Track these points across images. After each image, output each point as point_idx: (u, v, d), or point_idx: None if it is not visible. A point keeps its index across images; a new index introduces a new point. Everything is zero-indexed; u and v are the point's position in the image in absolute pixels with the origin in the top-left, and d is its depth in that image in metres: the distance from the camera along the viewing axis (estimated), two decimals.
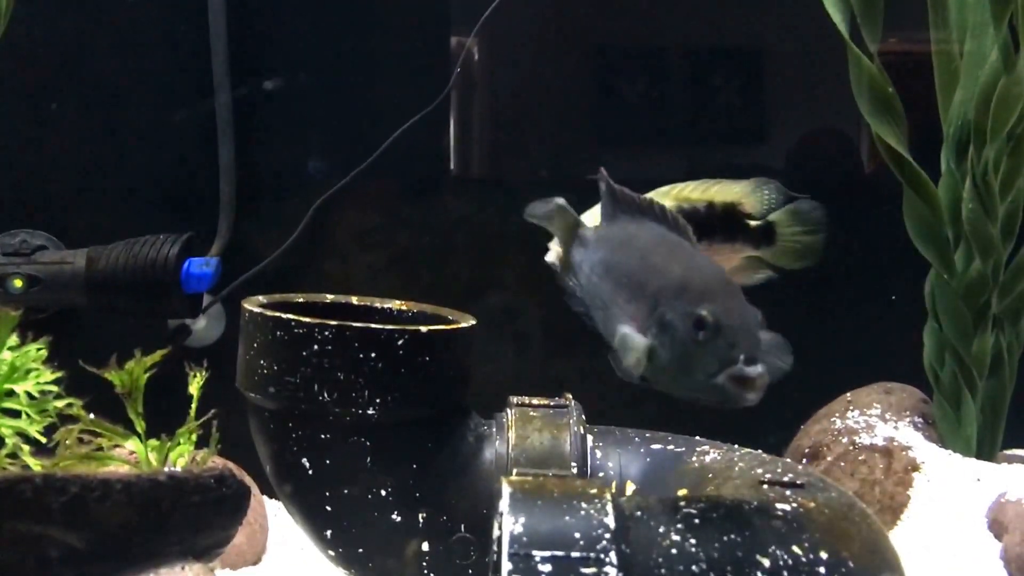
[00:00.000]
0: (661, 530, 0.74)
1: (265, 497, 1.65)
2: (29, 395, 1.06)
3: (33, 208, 1.97)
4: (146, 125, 1.99)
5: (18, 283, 1.79)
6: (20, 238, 1.91)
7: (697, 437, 1.22)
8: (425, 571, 1.17)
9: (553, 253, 1.30)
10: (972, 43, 1.51)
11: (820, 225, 1.46)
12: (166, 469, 1.11)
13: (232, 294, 1.92)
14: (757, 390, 0.84)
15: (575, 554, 0.70)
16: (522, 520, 0.72)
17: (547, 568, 0.69)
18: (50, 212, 1.98)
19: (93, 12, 1.95)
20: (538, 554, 0.70)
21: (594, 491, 0.76)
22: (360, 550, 1.17)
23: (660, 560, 0.72)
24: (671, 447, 1.19)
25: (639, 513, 0.76)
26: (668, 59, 2.04)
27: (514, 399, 1.26)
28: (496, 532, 0.86)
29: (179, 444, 1.22)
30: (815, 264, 1.47)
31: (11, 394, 1.04)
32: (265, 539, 1.64)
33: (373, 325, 1.14)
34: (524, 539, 0.71)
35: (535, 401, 1.24)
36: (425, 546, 1.15)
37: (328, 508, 1.16)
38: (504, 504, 0.74)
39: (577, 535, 0.71)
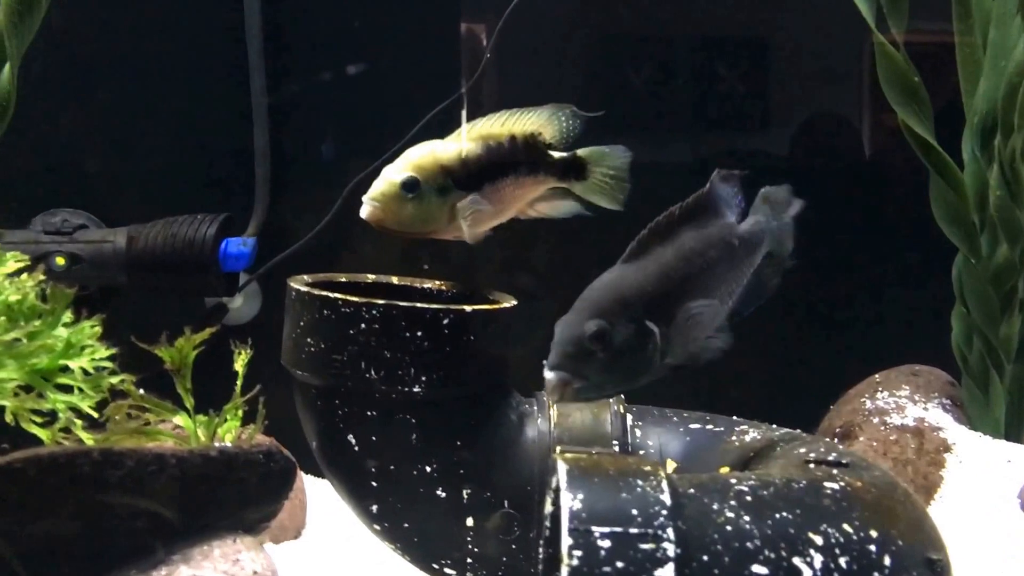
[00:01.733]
0: (715, 507, 0.76)
1: (303, 473, 1.68)
2: (84, 371, 1.08)
3: (72, 188, 1.99)
4: (183, 107, 2.01)
5: (60, 261, 1.82)
6: (61, 217, 1.93)
7: (733, 417, 1.24)
8: (469, 546, 1.19)
9: None
10: (996, 33, 1.51)
11: (626, 173, 1.37)
12: (216, 444, 1.14)
13: (267, 274, 1.94)
14: (550, 392, 1.00)
15: (633, 530, 0.72)
16: (580, 496, 0.74)
17: (606, 544, 0.71)
18: (88, 192, 2.00)
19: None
20: (597, 530, 0.72)
21: (648, 468, 0.78)
22: (405, 525, 1.20)
23: (716, 537, 0.74)
24: (710, 426, 1.20)
25: (692, 491, 0.77)
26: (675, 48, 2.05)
27: None
28: (549, 508, 0.88)
29: (226, 420, 1.25)
30: (622, 210, 1.36)
31: (66, 369, 1.07)
32: (305, 515, 1.67)
33: (419, 304, 1.16)
34: (583, 515, 0.73)
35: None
36: (469, 521, 1.18)
37: (374, 484, 1.19)
38: (562, 480, 0.76)
39: (635, 512, 0.73)
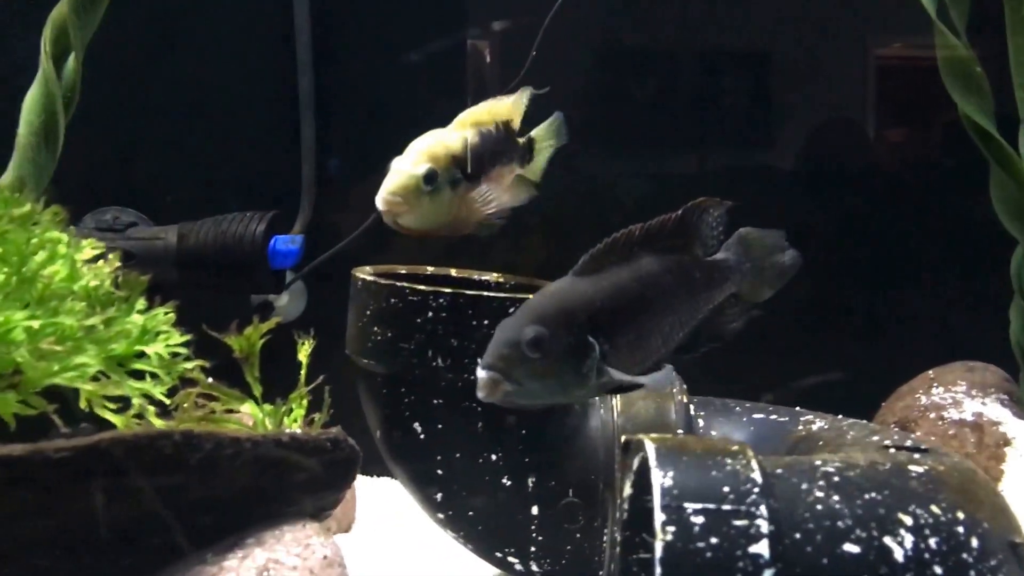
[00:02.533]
0: (804, 487, 0.76)
1: None
2: (159, 357, 1.09)
3: (121, 186, 2.01)
4: (230, 106, 2.03)
5: (112, 259, 1.84)
6: (112, 214, 1.95)
7: (799, 408, 1.24)
8: (533, 535, 1.19)
9: None
10: None
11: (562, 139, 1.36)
12: (287, 430, 1.14)
13: (312, 272, 1.96)
14: (480, 390, 0.96)
15: (726, 507, 0.72)
16: (671, 474, 0.74)
17: (699, 520, 0.72)
18: (137, 190, 2.02)
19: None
20: (690, 506, 0.72)
21: (736, 448, 0.78)
22: (470, 513, 1.20)
23: (807, 515, 0.74)
24: (774, 416, 1.20)
25: (780, 471, 0.78)
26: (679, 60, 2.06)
27: None
28: (628, 490, 0.88)
29: (292, 409, 1.26)
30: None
31: (142, 355, 1.08)
32: (355, 509, 1.68)
33: (487, 293, 1.17)
34: (675, 492, 0.73)
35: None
36: (534, 510, 1.18)
37: (439, 472, 1.20)
38: (651, 459, 0.76)
39: (726, 489, 0.73)
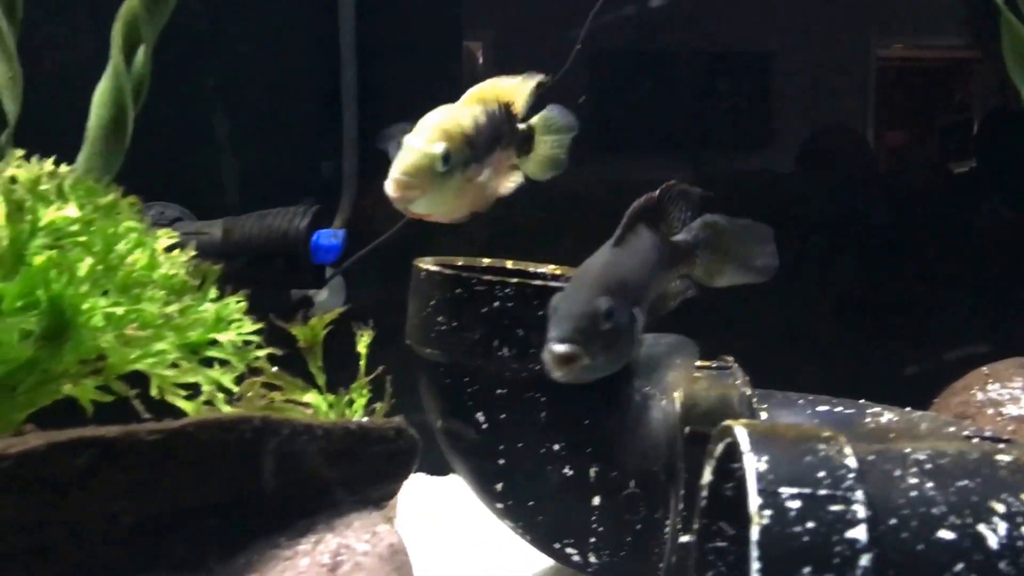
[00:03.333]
0: (897, 473, 0.77)
1: None
2: (232, 344, 1.10)
3: (165, 182, 2.03)
4: (274, 102, 2.04)
5: None
6: (157, 210, 1.97)
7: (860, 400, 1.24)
8: (594, 525, 1.20)
9: None
10: None
11: (570, 132, 1.29)
12: (354, 419, 1.16)
13: (351, 267, 1.97)
14: (556, 366, 1.01)
15: (822, 492, 0.73)
16: (765, 459, 0.75)
17: (796, 504, 0.72)
18: (181, 185, 2.03)
19: None
20: (786, 491, 0.73)
21: (827, 434, 0.78)
22: (531, 503, 1.21)
23: (902, 501, 0.74)
24: (839, 408, 1.20)
25: (872, 457, 0.78)
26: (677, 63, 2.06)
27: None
28: (708, 478, 0.89)
29: (354, 399, 1.27)
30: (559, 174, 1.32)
31: (214, 343, 1.09)
32: (396, 504, 1.69)
33: (552, 284, 1.17)
34: (770, 476, 0.74)
35: (697, 363, 1.27)
36: (596, 500, 1.19)
37: (501, 462, 1.20)
38: (744, 444, 0.77)
39: (821, 474, 0.74)
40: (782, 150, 2.04)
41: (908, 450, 0.80)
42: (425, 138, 1.10)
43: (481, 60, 2.07)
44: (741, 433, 0.78)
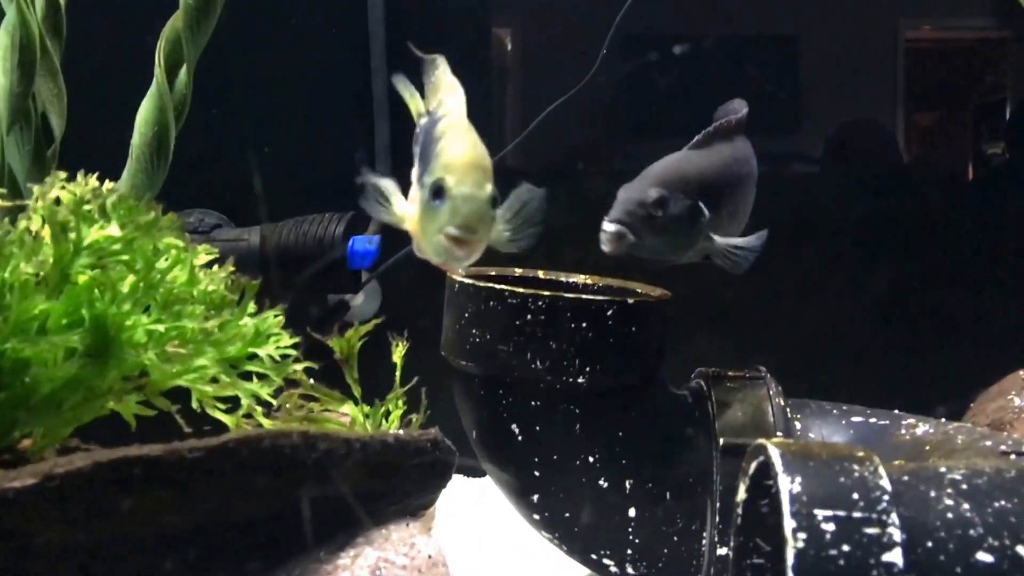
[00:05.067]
0: (932, 494, 0.76)
1: None
2: (270, 358, 1.12)
3: (203, 188, 2.05)
4: (307, 110, 2.06)
5: None
6: (196, 217, 2.00)
7: (895, 411, 1.24)
8: (630, 537, 1.20)
9: None
10: None
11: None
12: (391, 431, 1.17)
13: (386, 271, 1.99)
14: (607, 243, 1.17)
15: (857, 514, 0.73)
16: (799, 480, 0.75)
17: (831, 527, 0.72)
18: (218, 192, 2.06)
19: (259, 6, 2.03)
20: (820, 513, 0.73)
21: (861, 454, 0.78)
22: (567, 515, 1.22)
23: (938, 524, 0.74)
24: (873, 419, 1.20)
25: (907, 478, 0.78)
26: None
27: (707, 370, 1.29)
28: (742, 495, 0.89)
29: (390, 410, 1.29)
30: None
31: (253, 357, 1.11)
32: (434, 512, 1.70)
33: (585, 296, 1.18)
34: (804, 498, 0.74)
35: (730, 372, 1.27)
36: (632, 512, 1.19)
37: (536, 473, 1.21)
38: (777, 464, 0.77)
39: (856, 496, 0.74)
40: (811, 134, 2.04)
41: (943, 469, 0.80)
42: (473, 181, 0.94)
43: (510, 47, 2.08)
44: (775, 453, 0.78)
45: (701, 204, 1.21)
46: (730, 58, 2.06)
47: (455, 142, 0.98)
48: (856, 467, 0.77)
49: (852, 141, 2.06)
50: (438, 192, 0.92)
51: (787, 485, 0.75)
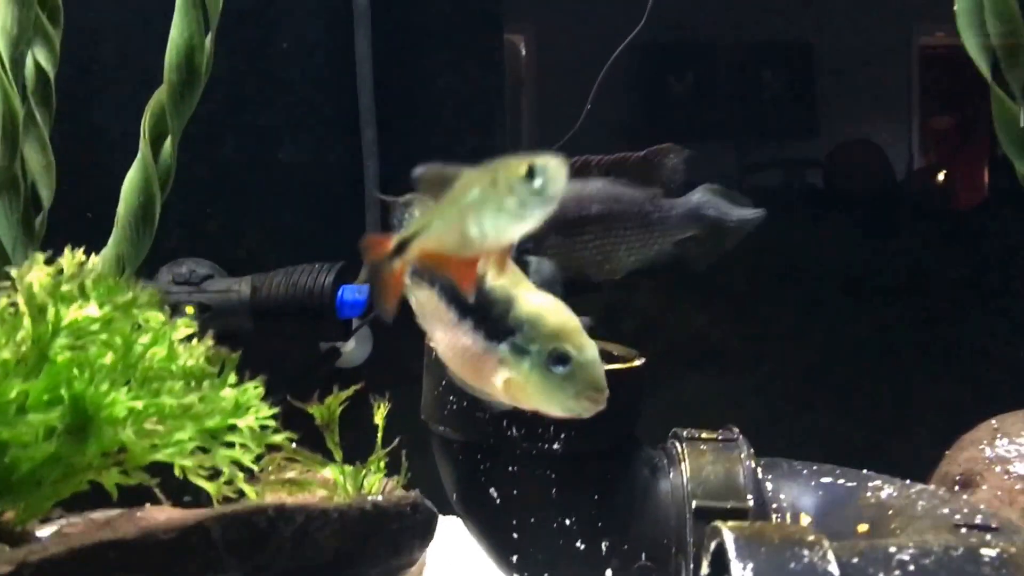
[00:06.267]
0: None
1: None
2: (250, 429, 1.14)
3: (194, 237, 2.08)
4: (298, 160, 2.10)
5: (190, 310, 1.91)
6: (187, 267, 2.02)
7: (866, 471, 1.26)
8: None
9: None
10: None
11: None
12: (369, 498, 1.19)
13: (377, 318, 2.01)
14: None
15: None
16: (751, 566, 0.77)
17: None
18: (209, 241, 2.09)
19: (248, 54, 2.06)
20: None
21: (812, 538, 0.81)
22: (545, 575, 1.24)
23: None
24: (841, 480, 1.22)
25: (856, 560, 0.80)
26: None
27: (681, 431, 1.31)
28: (705, 570, 0.92)
29: (371, 472, 1.31)
30: None
31: (233, 428, 1.13)
32: (424, 558, 1.72)
33: None
34: None
35: (703, 434, 1.29)
36: (608, 573, 1.21)
37: (515, 536, 1.23)
38: (730, 550, 0.79)
39: None
40: (826, 140, 2.05)
41: (893, 549, 0.82)
42: (588, 341, 0.99)
43: (524, 53, 2.11)
44: (729, 538, 0.80)
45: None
46: (746, 65, 2.08)
47: (542, 300, 1.00)
48: (806, 552, 0.79)
49: (846, 162, 2.08)
50: (562, 360, 0.95)
51: (739, 572, 0.77)
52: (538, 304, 0.98)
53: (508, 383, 0.98)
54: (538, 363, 0.95)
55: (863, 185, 2.09)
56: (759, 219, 1.36)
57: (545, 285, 1.11)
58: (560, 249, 1.29)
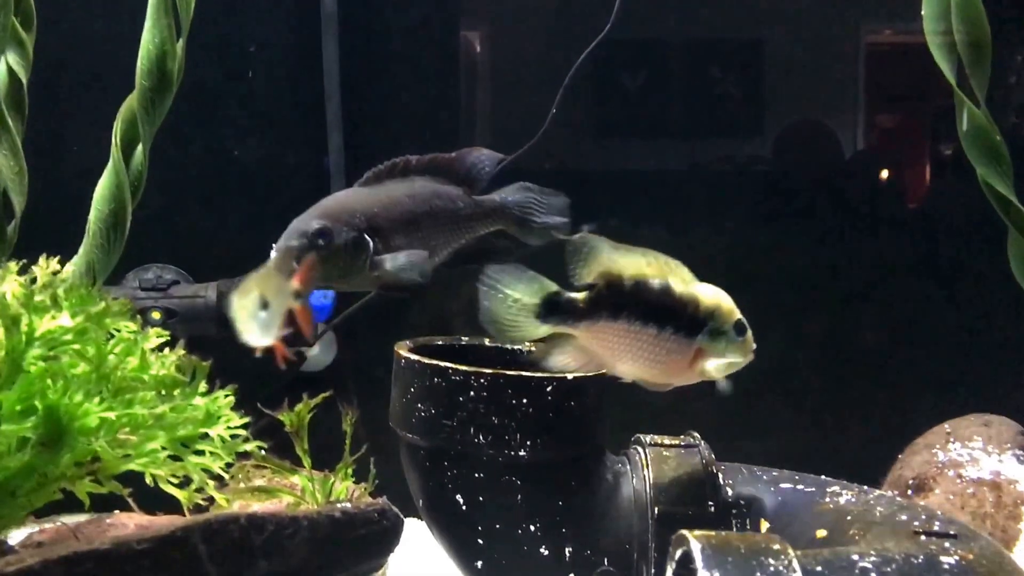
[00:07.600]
0: None
1: None
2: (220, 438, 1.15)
3: (161, 242, 2.07)
4: (262, 166, 2.10)
5: (156, 315, 1.91)
6: (154, 272, 2.02)
7: (824, 476, 1.29)
8: None
9: None
10: None
11: None
12: (338, 505, 1.20)
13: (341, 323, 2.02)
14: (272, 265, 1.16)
15: None
16: (717, 574, 0.80)
17: None
18: (175, 246, 2.08)
19: (218, 62, 2.06)
20: None
21: (777, 547, 0.84)
22: None
23: None
24: (800, 486, 1.26)
25: (819, 568, 0.83)
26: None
27: (644, 438, 1.34)
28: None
29: (339, 479, 1.33)
30: None
31: (205, 436, 1.14)
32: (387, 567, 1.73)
33: (525, 373, 1.23)
34: None
35: (666, 440, 1.32)
36: None
37: (480, 541, 1.25)
38: (698, 559, 0.82)
39: None
40: (773, 136, 2.09)
41: (855, 556, 0.85)
42: None
43: (479, 50, 2.12)
44: (696, 547, 0.83)
45: (367, 236, 1.29)
46: (695, 62, 2.11)
47: (707, 289, 1.19)
48: (771, 561, 0.82)
49: (796, 143, 2.12)
50: (742, 329, 1.18)
51: None
52: (710, 293, 1.18)
53: (703, 365, 1.18)
54: (732, 338, 1.17)
55: (811, 164, 2.13)
56: (564, 228, 1.43)
57: (404, 275, 1.30)
58: (402, 246, 1.36)
